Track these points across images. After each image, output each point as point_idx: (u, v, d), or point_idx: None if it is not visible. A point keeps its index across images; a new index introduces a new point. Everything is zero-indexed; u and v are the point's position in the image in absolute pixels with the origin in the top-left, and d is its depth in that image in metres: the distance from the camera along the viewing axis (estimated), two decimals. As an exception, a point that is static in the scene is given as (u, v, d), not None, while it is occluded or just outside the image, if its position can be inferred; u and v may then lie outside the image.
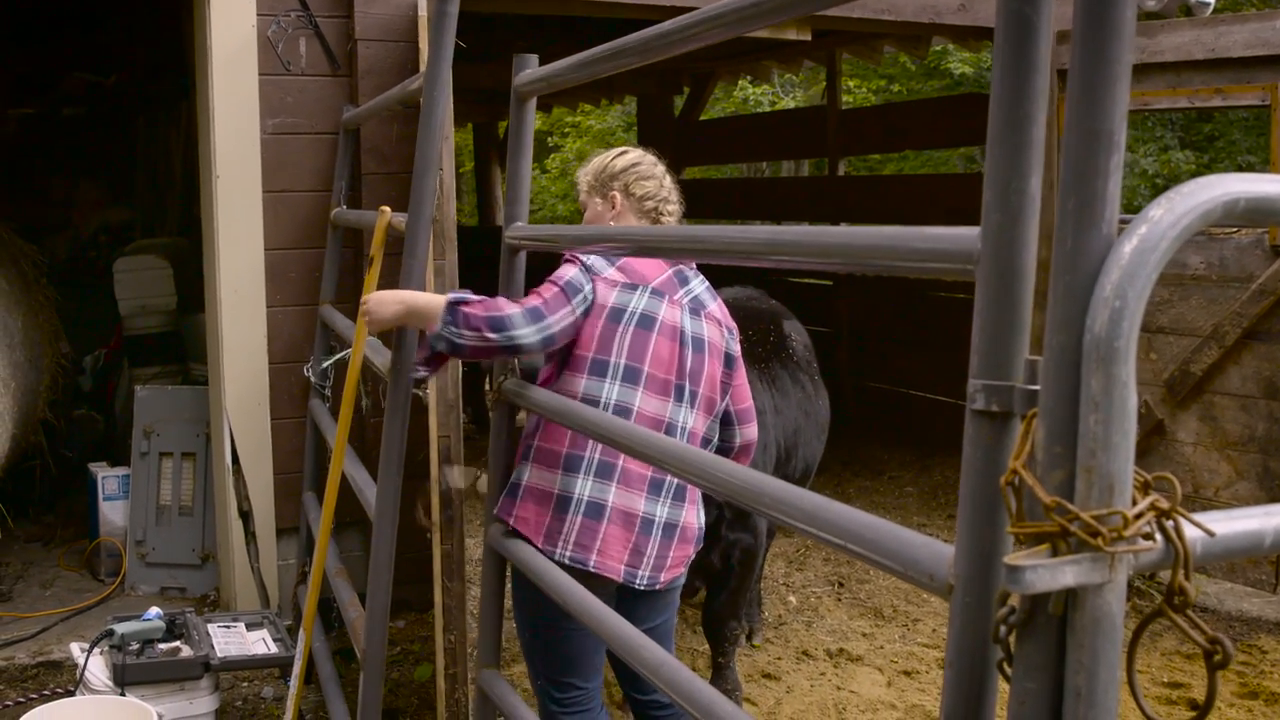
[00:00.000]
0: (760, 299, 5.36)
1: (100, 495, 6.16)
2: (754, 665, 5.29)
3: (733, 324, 3.48)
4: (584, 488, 3.18)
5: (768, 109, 17.94)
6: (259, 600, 5.43)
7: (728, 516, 4.46)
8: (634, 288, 3.24)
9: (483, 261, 5.22)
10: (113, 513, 6.15)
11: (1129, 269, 1.27)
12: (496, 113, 13.11)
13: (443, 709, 3.83)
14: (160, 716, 3.85)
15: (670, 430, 3.25)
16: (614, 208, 3.42)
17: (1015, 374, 1.29)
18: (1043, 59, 1.21)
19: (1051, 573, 1.26)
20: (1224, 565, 6.20)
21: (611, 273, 3.23)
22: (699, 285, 3.39)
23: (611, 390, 3.19)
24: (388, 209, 3.65)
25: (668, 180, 3.49)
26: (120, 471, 6.20)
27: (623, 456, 3.17)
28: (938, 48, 11.39)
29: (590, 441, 3.17)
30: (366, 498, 3.58)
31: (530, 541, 3.17)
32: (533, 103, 2.93)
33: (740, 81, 15.84)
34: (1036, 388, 1.25)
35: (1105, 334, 1.26)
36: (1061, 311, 1.18)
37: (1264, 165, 15.85)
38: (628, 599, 3.27)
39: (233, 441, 5.39)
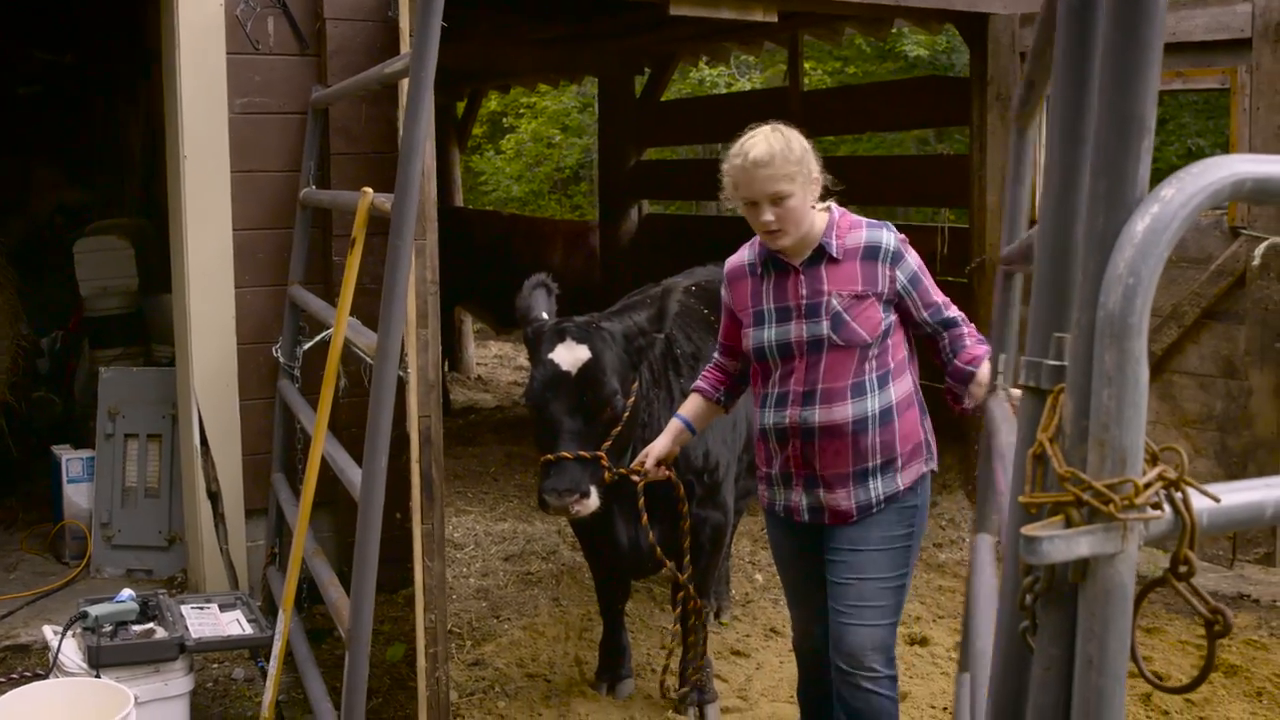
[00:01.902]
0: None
1: (64, 478, 6.12)
2: (723, 642, 5.34)
3: None
4: None
5: (723, 90, 17.95)
6: (228, 582, 5.42)
7: (698, 494, 4.50)
8: None
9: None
10: (77, 495, 6.11)
11: (1142, 247, 1.30)
12: (455, 93, 13.05)
13: (423, 687, 3.84)
14: (136, 698, 3.85)
15: None
16: (815, 193, 3.56)
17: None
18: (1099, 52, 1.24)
19: (1067, 543, 1.30)
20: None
21: None
22: None
23: None
24: (370, 190, 3.65)
25: None
26: (84, 454, 6.16)
27: None
28: (894, 30, 11.45)
29: None
30: (350, 478, 3.58)
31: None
32: (1032, 131, 2.77)
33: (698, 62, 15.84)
34: (1064, 363, 1.29)
35: (1119, 310, 1.30)
36: (1090, 290, 1.22)
37: (1213, 148, 16.06)
38: None
39: (201, 422, 5.37)
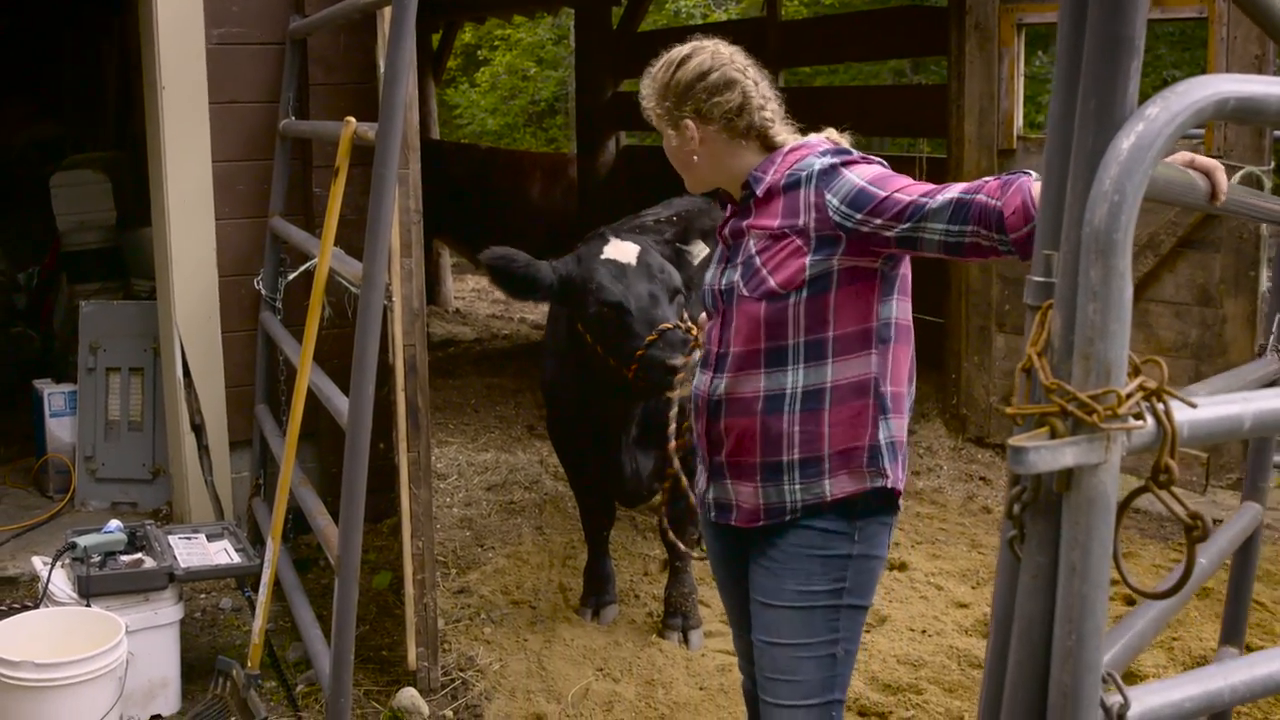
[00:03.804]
0: (711, 210, 5.39)
1: (47, 412, 6.12)
2: (705, 569, 5.39)
3: None
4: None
5: (699, 21, 17.84)
6: (213, 513, 5.45)
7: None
8: None
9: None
10: (60, 429, 6.12)
11: (1127, 164, 1.33)
12: (430, 24, 12.94)
13: (411, 613, 3.90)
14: (126, 627, 3.89)
15: None
16: (692, 139, 2.85)
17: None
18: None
19: (1053, 453, 1.34)
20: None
21: None
22: None
23: None
24: (353, 119, 3.65)
25: (751, 73, 2.85)
26: (66, 388, 6.16)
27: None
28: (873, -41, 11.41)
29: None
30: (337, 407, 3.60)
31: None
32: None
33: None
34: (1053, 280, 1.32)
35: (1104, 227, 1.33)
36: (1077, 208, 1.25)
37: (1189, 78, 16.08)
38: None
39: (183, 355, 5.37)
